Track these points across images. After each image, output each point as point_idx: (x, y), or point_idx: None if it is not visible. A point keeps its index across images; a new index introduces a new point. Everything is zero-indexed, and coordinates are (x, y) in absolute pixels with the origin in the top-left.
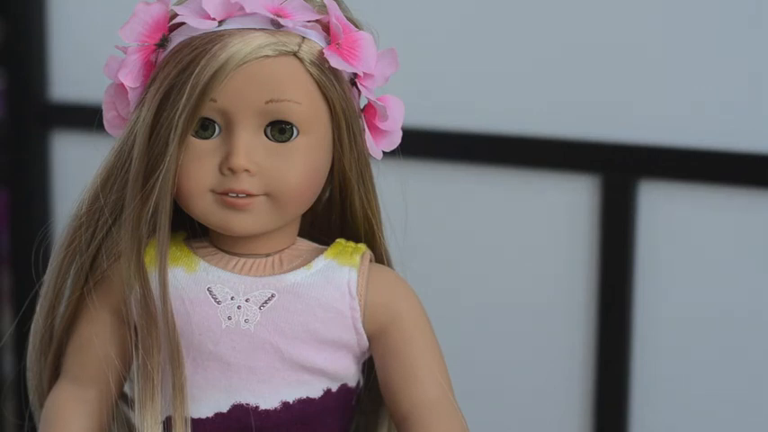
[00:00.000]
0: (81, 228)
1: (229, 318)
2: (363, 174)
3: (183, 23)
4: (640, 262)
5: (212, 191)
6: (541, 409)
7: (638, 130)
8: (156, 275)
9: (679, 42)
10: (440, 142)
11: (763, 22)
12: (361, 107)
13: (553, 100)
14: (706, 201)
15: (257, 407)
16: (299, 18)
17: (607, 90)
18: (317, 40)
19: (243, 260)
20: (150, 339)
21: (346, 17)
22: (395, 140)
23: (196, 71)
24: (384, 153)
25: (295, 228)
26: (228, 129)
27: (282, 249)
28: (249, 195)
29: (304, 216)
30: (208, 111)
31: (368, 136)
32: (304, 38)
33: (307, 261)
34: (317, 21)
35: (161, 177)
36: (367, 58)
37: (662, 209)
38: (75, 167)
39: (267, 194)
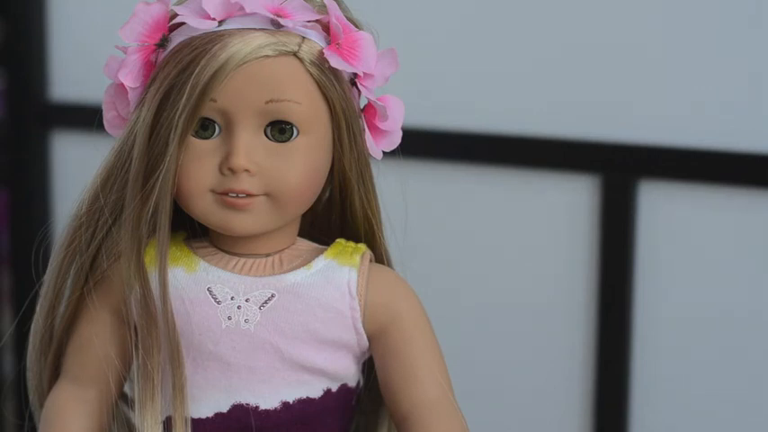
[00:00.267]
0: (81, 228)
1: (229, 318)
2: (363, 174)
3: (183, 23)
4: (640, 262)
5: (212, 191)
6: (541, 409)
7: (638, 130)
8: (156, 275)
9: (679, 42)
10: (440, 142)
11: (763, 22)
12: (361, 107)
13: (553, 100)
14: (706, 201)
15: (257, 407)
16: (299, 18)
17: (607, 90)
18: (317, 40)
19: (243, 260)
20: (150, 339)
21: (346, 17)
22: (395, 140)
23: (196, 71)
24: (384, 153)
25: (295, 228)
26: (228, 129)
27: (282, 249)
28: (249, 195)
29: (304, 216)
30: (208, 111)
31: (368, 136)
32: (304, 38)
33: (307, 261)
34: (317, 21)
35: (161, 177)
36: (367, 58)
37: (662, 209)
38: (75, 167)
39: (267, 194)
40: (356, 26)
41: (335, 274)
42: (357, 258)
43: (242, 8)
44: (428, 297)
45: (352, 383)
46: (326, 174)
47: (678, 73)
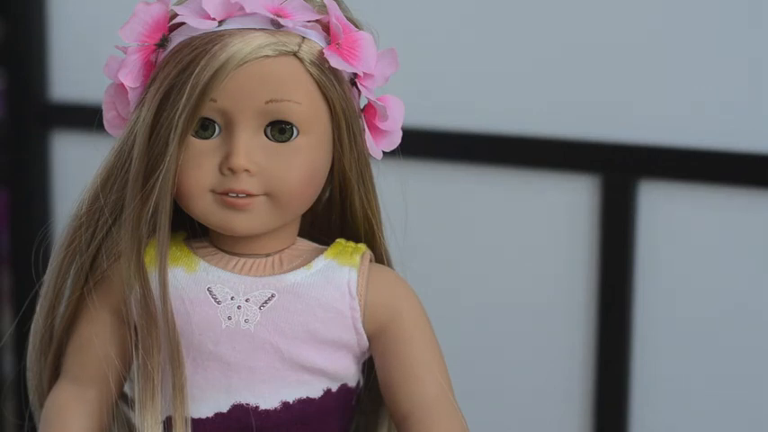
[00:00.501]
0: (81, 228)
1: (229, 318)
2: (363, 174)
3: (183, 23)
4: (640, 262)
5: (212, 191)
6: (541, 409)
7: (638, 130)
8: (156, 275)
9: (679, 42)
10: (440, 142)
11: (763, 22)
12: (361, 107)
13: (553, 100)
14: (706, 201)
15: (257, 407)
16: (299, 18)
17: (607, 90)
18: (317, 40)
19: (243, 260)
20: (150, 339)
21: (346, 17)
22: (395, 140)
23: (196, 71)
24: (384, 153)
25: (295, 228)
26: (228, 129)
27: (282, 249)
28: (249, 195)
29: (304, 216)
30: (208, 111)
31: (368, 136)
32: (304, 38)
33: (307, 261)
34: (317, 21)
35: (161, 177)
36: (367, 58)
37: (662, 209)
38: (75, 167)
39: (267, 194)
40: (356, 26)
41: (335, 274)
42: (357, 258)
43: (242, 8)
44: (428, 297)
45: (352, 383)
46: (326, 174)
47: (678, 73)
